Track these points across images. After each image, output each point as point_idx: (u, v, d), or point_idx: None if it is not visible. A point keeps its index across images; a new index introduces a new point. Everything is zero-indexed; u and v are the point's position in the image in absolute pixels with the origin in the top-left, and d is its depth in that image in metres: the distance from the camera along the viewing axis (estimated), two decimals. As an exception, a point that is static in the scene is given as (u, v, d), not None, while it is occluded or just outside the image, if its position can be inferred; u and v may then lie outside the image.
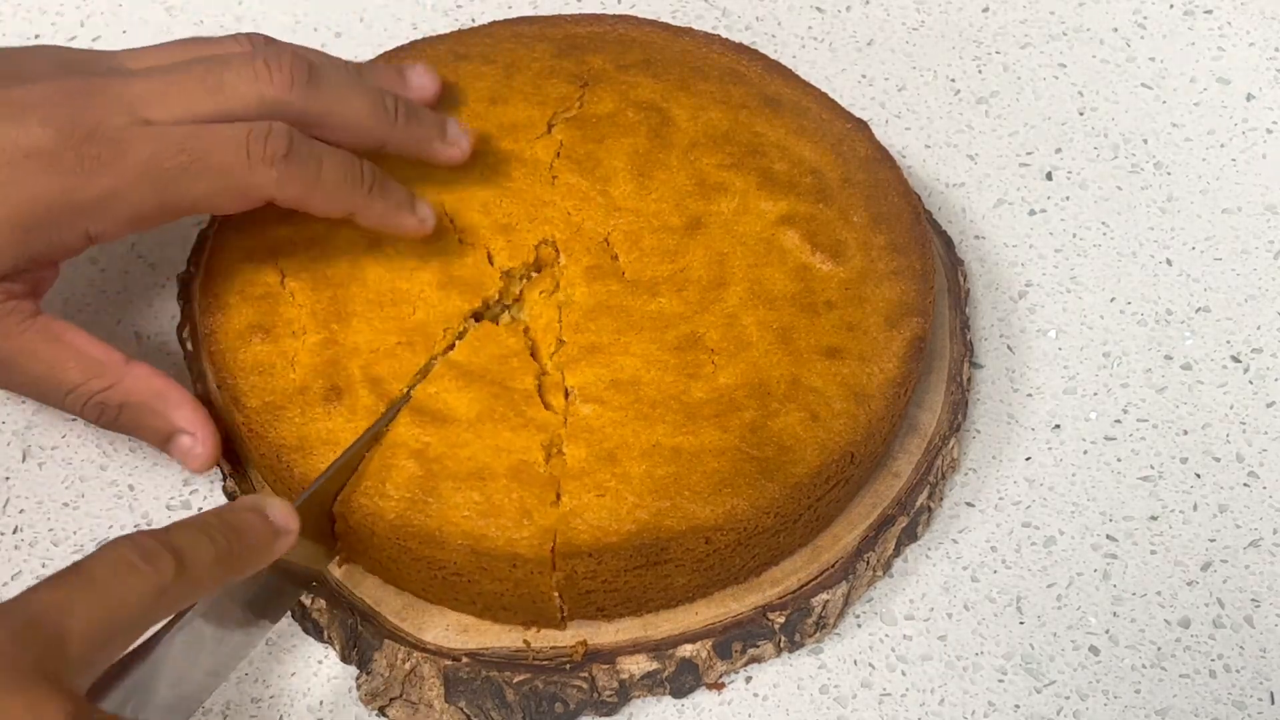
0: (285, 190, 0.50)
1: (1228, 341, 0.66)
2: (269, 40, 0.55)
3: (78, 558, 0.57)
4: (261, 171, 0.49)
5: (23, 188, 0.47)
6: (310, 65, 0.52)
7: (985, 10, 0.81)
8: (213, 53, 0.53)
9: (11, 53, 0.52)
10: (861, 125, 0.64)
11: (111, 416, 0.52)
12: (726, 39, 0.68)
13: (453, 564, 0.50)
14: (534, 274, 0.60)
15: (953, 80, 0.78)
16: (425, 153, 0.56)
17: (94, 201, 0.48)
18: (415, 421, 0.52)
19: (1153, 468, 0.61)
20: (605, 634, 0.53)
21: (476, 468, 0.51)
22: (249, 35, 0.54)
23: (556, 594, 0.51)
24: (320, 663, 0.55)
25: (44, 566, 0.57)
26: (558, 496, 0.50)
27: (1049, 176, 0.73)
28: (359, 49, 0.78)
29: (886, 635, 0.56)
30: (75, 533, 0.58)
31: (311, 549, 0.51)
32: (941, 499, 0.60)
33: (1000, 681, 0.55)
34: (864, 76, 0.78)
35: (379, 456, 0.51)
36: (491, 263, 0.58)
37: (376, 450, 0.51)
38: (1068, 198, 0.72)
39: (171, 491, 0.59)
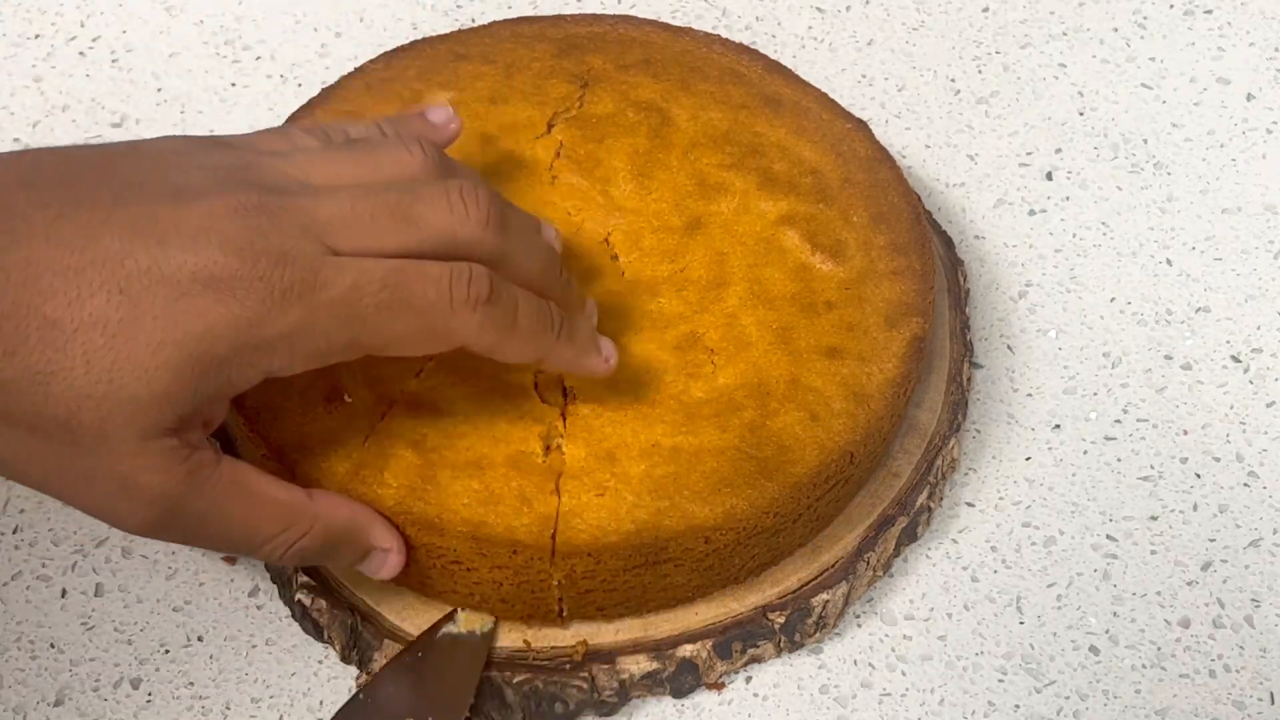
0: (483, 336, 0.46)
1: (1228, 341, 0.66)
2: (444, 158, 0.50)
3: (78, 558, 0.57)
4: (463, 315, 0.45)
5: (199, 321, 0.41)
6: (503, 208, 0.48)
7: (985, 10, 0.81)
8: (396, 165, 0.48)
9: (145, 153, 0.45)
10: (861, 125, 0.64)
11: (312, 555, 0.48)
12: (726, 39, 0.68)
13: (452, 551, 0.50)
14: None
15: (953, 80, 0.78)
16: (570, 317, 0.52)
17: (281, 336, 0.42)
18: (412, 414, 0.52)
19: (1153, 468, 0.61)
20: (605, 634, 0.53)
21: (475, 457, 0.51)
22: (419, 142, 0.49)
23: (556, 584, 0.51)
24: (320, 663, 0.55)
25: (44, 566, 0.57)
26: (557, 488, 0.50)
27: (1049, 176, 0.73)
28: (359, 49, 0.78)
29: (886, 635, 0.56)
30: (75, 533, 0.58)
31: None
32: (941, 499, 0.60)
33: (1000, 681, 0.55)
34: (864, 76, 0.78)
35: (376, 447, 0.51)
36: None
37: (374, 441, 0.51)
38: (1068, 198, 0.72)
39: (172, 491, 0.59)
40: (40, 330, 0.40)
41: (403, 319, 0.44)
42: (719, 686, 0.54)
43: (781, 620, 0.54)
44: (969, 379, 0.62)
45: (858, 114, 0.67)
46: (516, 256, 0.48)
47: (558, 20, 0.68)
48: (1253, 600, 0.58)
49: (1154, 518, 0.60)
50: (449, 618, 0.52)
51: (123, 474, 0.42)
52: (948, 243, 0.67)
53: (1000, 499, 0.60)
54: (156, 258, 0.41)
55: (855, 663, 0.55)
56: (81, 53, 0.78)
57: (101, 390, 0.40)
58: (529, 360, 0.49)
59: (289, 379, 0.53)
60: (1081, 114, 0.76)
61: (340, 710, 0.50)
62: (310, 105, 0.64)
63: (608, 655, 0.52)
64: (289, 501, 0.47)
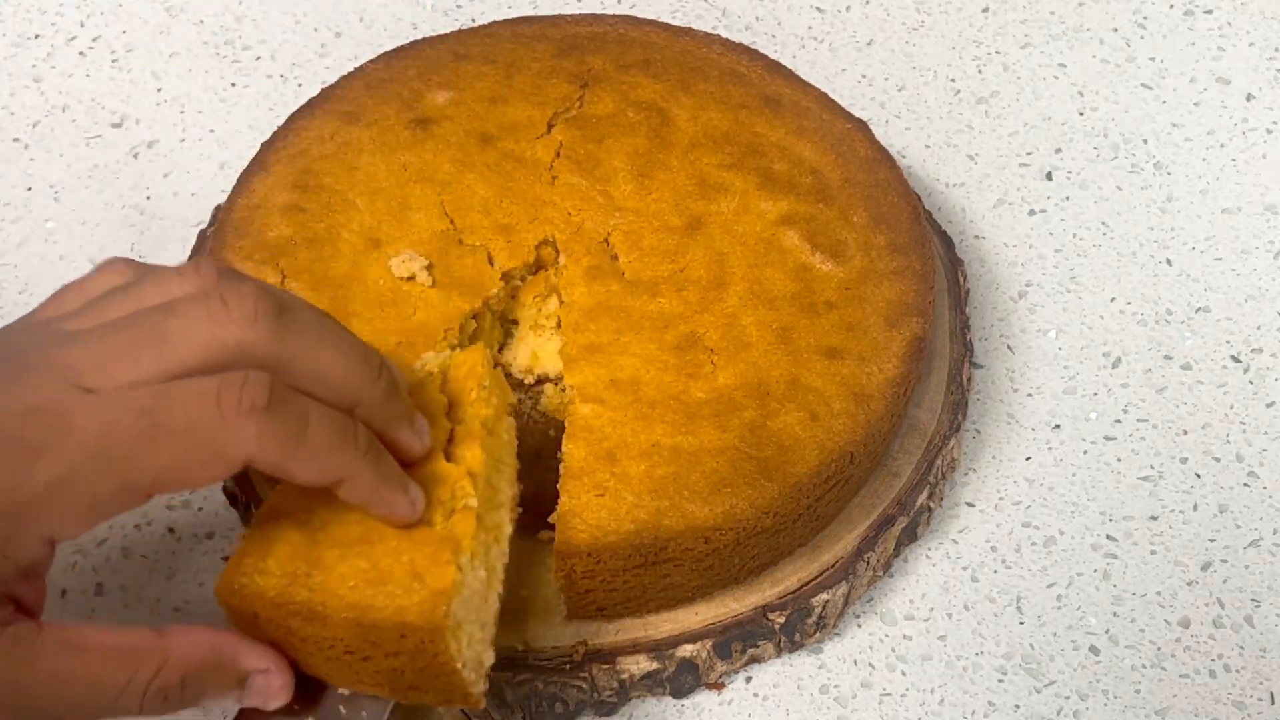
0: (266, 449, 0.41)
1: (1228, 341, 0.66)
2: (226, 272, 0.44)
3: (78, 558, 0.57)
4: (237, 427, 0.40)
5: None
6: (278, 301, 0.42)
7: (985, 10, 0.81)
8: (158, 292, 0.43)
9: None
10: (861, 125, 0.64)
11: (176, 698, 0.43)
12: (726, 39, 0.68)
13: (340, 641, 0.43)
14: (533, 274, 0.60)
15: (953, 80, 0.78)
16: (389, 432, 0.46)
17: (40, 497, 0.39)
18: (298, 489, 0.44)
19: (1153, 468, 0.61)
20: (605, 634, 0.53)
21: (364, 531, 0.44)
22: (197, 265, 0.44)
23: (459, 665, 0.44)
24: (320, 663, 0.55)
25: (44, 566, 0.57)
26: (455, 558, 0.43)
27: (1049, 176, 0.73)
28: (359, 49, 0.78)
29: (886, 635, 0.56)
30: (75, 533, 0.58)
31: None
32: (941, 499, 0.60)
33: (1000, 681, 0.55)
34: (864, 76, 0.78)
35: (261, 531, 0.45)
36: (492, 263, 0.58)
37: (259, 525, 0.45)
38: (1068, 198, 0.72)
39: (172, 491, 0.60)
40: None
41: (169, 446, 0.40)
42: (719, 686, 0.54)
43: (781, 620, 0.54)
44: (969, 379, 0.62)
45: (858, 114, 0.67)
46: (304, 358, 0.42)
47: (558, 20, 0.68)
48: (1253, 600, 0.58)
49: (1154, 518, 0.60)
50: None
51: None
52: (948, 243, 0.67)
53: (1000, 499, 0.60)
54: None
55: (855, 663, 0.55)
56: (81, 53, 0.78)
57: None
58: (327, 482, 0.43)
59: None
60: (1081, 114, 0.76)
61: None
62: (310, 105, 0.64)
63: (608, 655, 0.52)
64: (130, 645, 0.42)
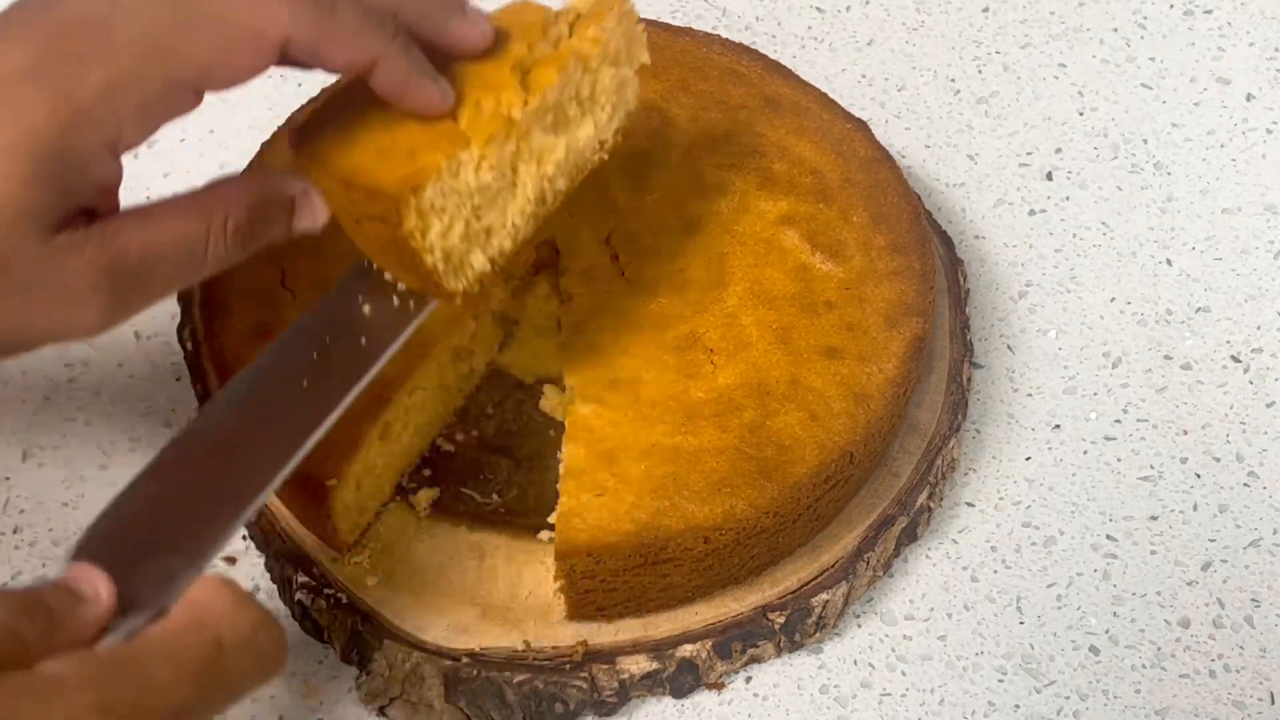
0: (299, 26, 0.43)
1: (1228, 341, 0.66)
2: None
3: (78, 558, 0.57)
4: (268, 9, 0.43)
5: (18, 115, 0.41)
6: None
7: (985, 10, 0.81)
8: None
9: None
10: (861, 125, 0.64)
11: (247, 234, 0.47)
12: (726, 39, 0.68)
13: (333, 195, 0.47)
14: (533, 274, 0.60)
15: (953, 80, 0.78)
16: (426, 27, 0.47)
17: (94, 103, 0.42)
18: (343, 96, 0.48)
19: (1153, 468, 0.61)
20: (605, 634, 0.53)
21: (395, 119, 0.46)
22: None
23: (427, 248, 0.46)
24: (320, 663, 0.55)
25: (44, 566, 0.57)
26: (453, 147, 0.45)
27: (1049, 176, 0.73)
28: (359, 49, 0.78)
29: (886, 635, 0.56)
30: (75, 532, 0.58)
31: None
32: (941, 499, 0.60)
33: (1000, 681, 0.55)
34: (864, 76, 0.78)
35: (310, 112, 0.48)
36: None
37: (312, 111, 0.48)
38: (1068, 198, 0.72)
39: (172, 491, 0.60)
40: None
41: (207, 36, 0.42)
42: (719, 686, 0.54)
43: (781, 620, 0.53)
44: (969, 379, 0.62)
45: (858, 114, 0.67)
46: None
47: (558, 20, 0.68)
48: (1253, 600, 0.58)
49: (1154, 518, 0.60)
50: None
51: (49, 283, 0.42)
52: (948, 243, 0.67)
53: (1000, 499, 0.60)
54: None
55: (855, 663, 0.55)
56: (81, 53, 0.78)
57: None
58: (360, 64, 0.44)
59: None
60: (1081, 114, 0.76)
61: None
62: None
63: (608, 655, 0.52)
64: (195, 201, 0.46)
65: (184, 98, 0.43)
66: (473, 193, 0.46)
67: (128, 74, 0.42)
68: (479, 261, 0.48)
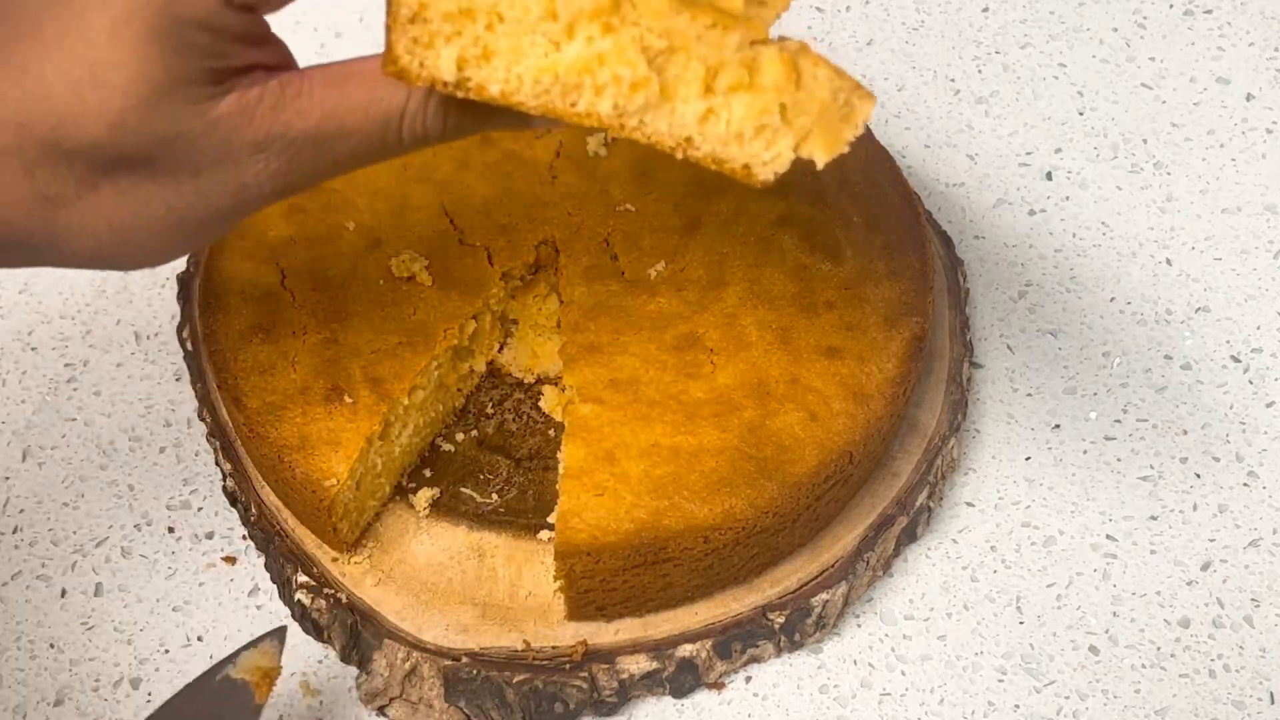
0: None
1: (1228, 341, 0.66)
2: None
3: (77, 558, 0.57)
4: None
5: None
6: None
7: (985, 10, 0.81)
8: None
9: None
10: (861, 125, 0.64)
11: (456, 115, 0.41)
12: (726, 39, 0.68)
13: None
14: (533, 274, 0.60)
15: (953, 80, 0.78)
16: None
17: None
18: None
19: (1153, 468, 0.61)
20: (605, 634, 0.53)
21: None
22: None
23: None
24: (320, 663, 0.55)
25: (44, 566, 0.57)
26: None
27: (1049, 176, 0.73)
28: (359, 49, 0.78)
29: (886, 635, 0.56)
30: (75, 532, 0.58)
31: None
32: (941, 499, 0.60)
33: (1000, 681, 0.55)
34: (864, 76, 0.78)
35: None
36: (491, 263, 0.58)
37: None
38: (1068, 198, 0.72)
39: (171, 491, 0.60)
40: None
41: None
42: (719, 686, 0.54)
43: (781, 620, 0.53)
44: (969, 379, 0.62)
45: (857, 114, 0.67)
46: None
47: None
48: (1253, 600, 0.58)
49: (1154, 518, 0.60)
50: (230, 659, 0.49)
51: (220, 156, 0.40)
52: (947, 243, 0.67)
53: (1000, 499, 0.60)
54: None
55: (855, 662, 0.55)
56: (82, 53, 0.78)
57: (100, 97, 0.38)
58: None
59: (289, 379, 0.53)
60: (1081, 114, 0.76)
61: None
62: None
63: (608, 655, 0.52)
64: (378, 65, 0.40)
65: None
66: None
67: None
68: None
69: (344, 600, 0.53)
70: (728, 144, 0.39)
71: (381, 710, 0.52)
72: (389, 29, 0.38)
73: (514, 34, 0.38)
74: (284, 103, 0.40)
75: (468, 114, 0.41)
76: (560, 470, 0.53)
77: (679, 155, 0.40)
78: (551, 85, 0.38)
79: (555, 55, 0.38)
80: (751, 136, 0.39)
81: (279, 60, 0.41)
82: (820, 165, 0.40)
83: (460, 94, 0.39)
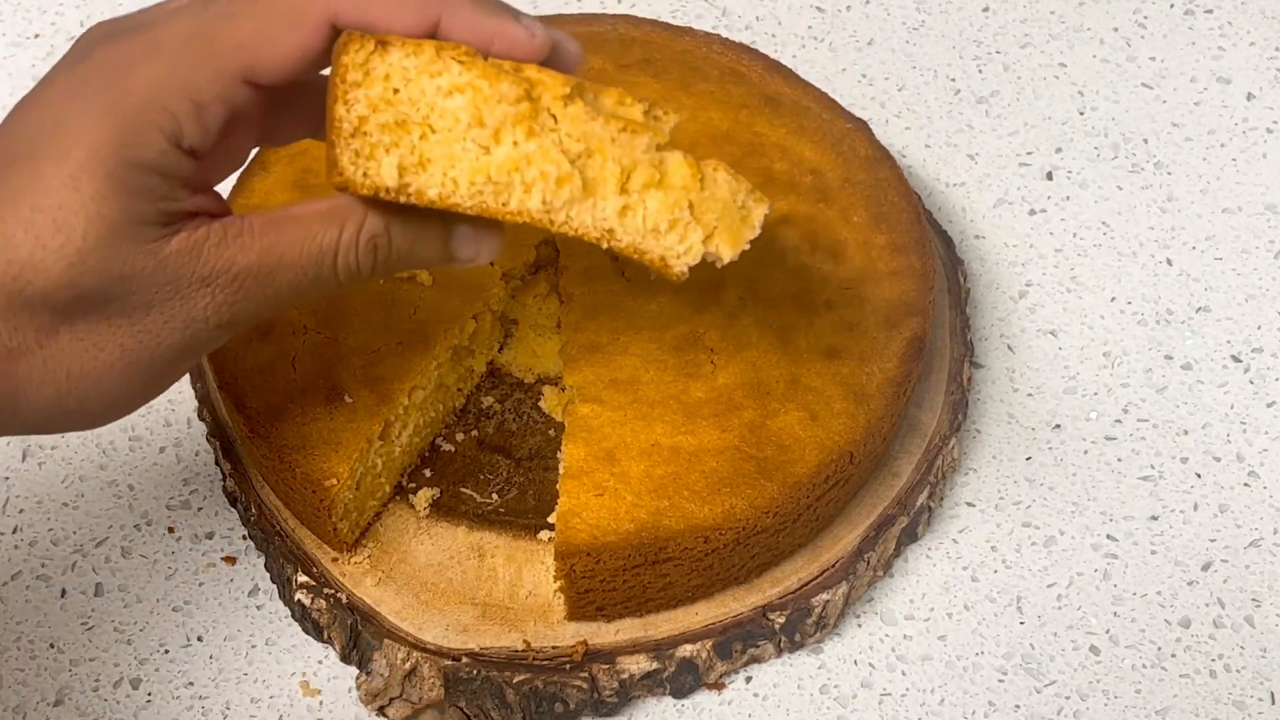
0: None
1: (1228, 341, 0.66)
2: None
3: (77, 558, 0.57)
4: None
5: (80, 135, 0.41)
6: None
7: (985, 10, 0.81)
8: None
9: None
10: (861, 125, 0.64)
11: (386, 250, 0.44)
12: (726, 39, 0.68)
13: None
14: (533, 274, 0.60)
15: (953, 80, 0.78)
16: (495, 28, 0.44)
17: (146, 103, 0.41)
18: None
19: (1153, 468, 0.61)
20: (605, 634, 0.53)
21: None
22: None
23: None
24: (320, 663, 0.55)
25: (43, 566, 0.57)
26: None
27: (1049, 176, 0.73)
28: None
29: (886, 635, 0.56)
30: (75, 532, 0.58)
31: None
32: (941, 499, 0.60)
33: (1000, 681, 0.55)
34: (864, 76, 0.78)
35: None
36: (491, 263, 0.58)
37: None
38: (1068, 198, 0.72)
39: (171, 491, 0.60)
40: None
41: (247, 19, 0.42)
42: (719, 686, 0.54)
43: (781, 620, 0.53)
44: (969, 379, 0.62)
45: (858, 114, 0.67)
46: None
47: (558, 20, 0.68)
48: (1253, 600, 0.58)
49: (1154, 518, 0.60)
50: None
51: (168, 293, 0.42)
52: (948, 243, 0.67)
53: (1000, 499, 0.60)
54: None
55: (855, 663, 0.55)
56: (81, 53, 0.78)
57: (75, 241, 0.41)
58: (425, 25, 0.42)
59: (290, 379, 0.53)
60: (1081, 114, 0.76)
61: None
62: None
63: (608, 655, 0.52)
64: (332, 205, 0.44)
65: (234, 88, 0.42)
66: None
67: (172, 69, 0.41)
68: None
69: (344, 600, 0.53)
70: (645, 237, 0.44)
71: (381, 710, 0.52)
72: (332, 144, 0.41)
73: (447, 141, 0.41)
74: (227, 240, 0.43)
75: (396, 250, 0.44)
76: (560, 470, 0.53)
77: (604, 245, 0.44)
78: (484, 185, 0.42)
79: (485, 158, 0.42)
80: (666, 230, 0.44)
81: (220, 209, 0.44)
82: (725, 260, 0.45)
83: (402, 199, 0.42)
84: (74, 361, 0.43)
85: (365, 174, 0.42)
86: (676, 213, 0.44)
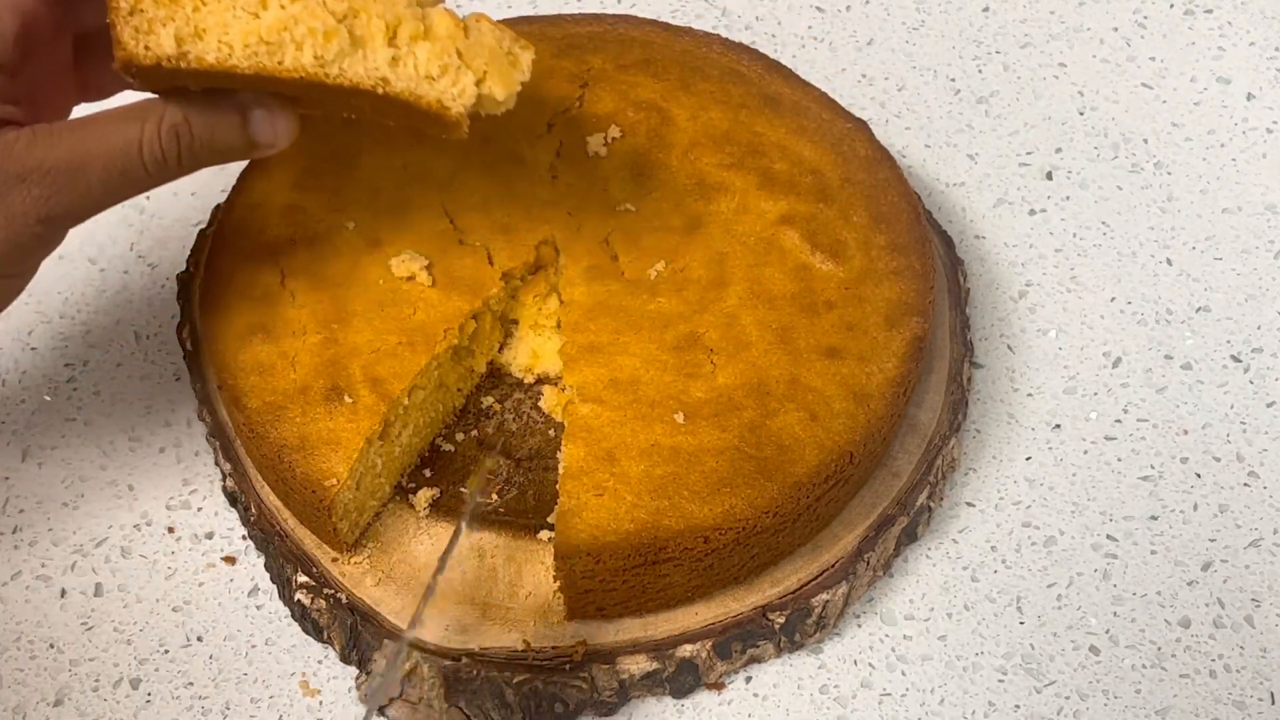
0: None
1: (1228, 341, 0.66)
2: None
3: (77, 558, 0.57)
4: None
5: None
6: None
7: (985, 10, 0.81)
8: None
9: None
10: (861, 125, 0.64)
11: (188, 140, 0.49)
12: (726, 39, 0.68)
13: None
14: (533, 274, 0.60)
15: (953, 80, 0.78)
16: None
17: None
18: None
19: (1153, 467, 0.61)
20: (605, 634, 0.53)
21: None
22: None
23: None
24: (320, 663, 0.55)
25: (44, 566, 0.57)
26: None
27: (1049, 176, 0.73)
28: (359, 49, 0.78)
29: (886, 635, 0.56)
30: (75, 532, 0.58)
31: None
32: (941, 499, 0.60)
33: (1000, 681, 0.55)
34: (864, 76, 0.78)
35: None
36: (491, 263, 0.58)
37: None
38: (1068, 198, 0.72)
39: (171, 491, 0.60)
40: None
41: None
42: (719, 686, 0.54)
43: (781, 620, 0.53)
44: (969, 379, 0.62)
45: (858, 114, 0.67)
46: None
47: (558, 20, 0.68)
48: (1253, 600, 0.58)
49: (1154, 518, 0.60)
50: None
51: None
52: (948, 243, 0.67)
53: (1000, 499, 0.60)
54: None
55: (855, 663, 0.55)
56: (81, 53, 0.78)
57: None
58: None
59: (289, 379, 0.53)
60: (1081, 114, 0.76)
61: None
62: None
63: (608, 655, 0.52)
64: (131, 107, 0.48)
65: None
66: None
67: None
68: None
69: (344, 600, 0.53)
70: (419, 84, 0.49)
71: (381, 710, 0.52)
72: (113, 24, 0.46)
73: (218, 10, 0.46)
74: (36, 141, 0.47)
75: (198, 138, 0.49)
76: (560, 470, 0.53)
77: (380, 92, 0.48)
78: (258, 46, 0.47)
79: (255, 22, 0.46)
80: (438, 75, 0.49)
81: (32, 120, 0.48)
82: (500, 99, 0.50)
83: (183, 65, 0.46)
84: None
85: (146, 47, 0.46)
86: (446, 59, 0.49)
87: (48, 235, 0.48)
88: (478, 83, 0.49)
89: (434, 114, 0.49)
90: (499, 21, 0.51)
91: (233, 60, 0.46)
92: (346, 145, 0.61)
